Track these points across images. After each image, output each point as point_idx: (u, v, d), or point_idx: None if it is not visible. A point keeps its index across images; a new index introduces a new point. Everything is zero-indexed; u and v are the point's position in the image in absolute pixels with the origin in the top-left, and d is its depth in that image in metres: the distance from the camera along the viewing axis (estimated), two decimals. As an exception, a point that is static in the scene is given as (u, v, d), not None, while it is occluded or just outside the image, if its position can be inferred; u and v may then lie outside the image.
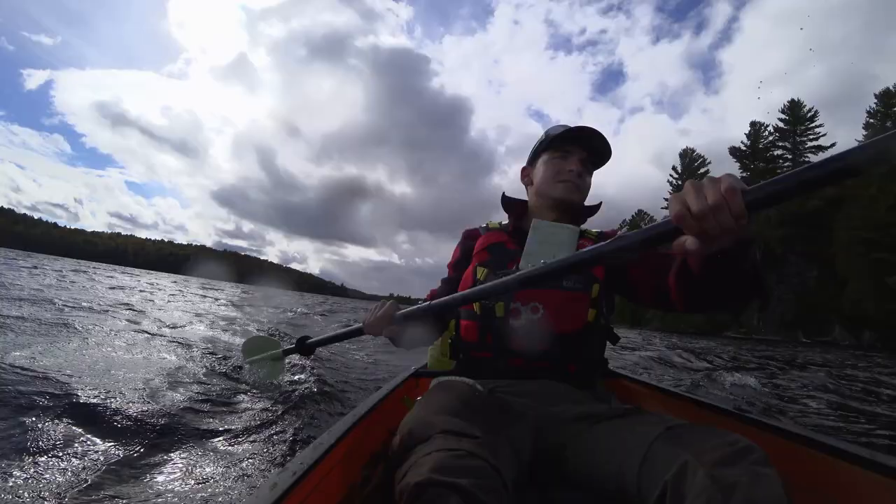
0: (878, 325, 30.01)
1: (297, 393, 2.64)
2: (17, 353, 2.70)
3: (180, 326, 5.52)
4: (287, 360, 2.36)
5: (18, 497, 1.30)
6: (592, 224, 1.30)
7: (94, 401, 2.04)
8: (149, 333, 4.28)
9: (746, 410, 1.07)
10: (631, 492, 0.75)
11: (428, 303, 1.10)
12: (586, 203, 1.24)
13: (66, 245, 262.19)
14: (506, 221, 1.30)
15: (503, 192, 1.31)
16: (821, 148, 43.06)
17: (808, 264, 36.77)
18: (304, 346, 1.67)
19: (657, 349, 10.30)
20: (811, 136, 43.79)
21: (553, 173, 1.18)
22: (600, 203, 1.28)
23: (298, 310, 14.78)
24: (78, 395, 2.05)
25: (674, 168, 50.70)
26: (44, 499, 1.31)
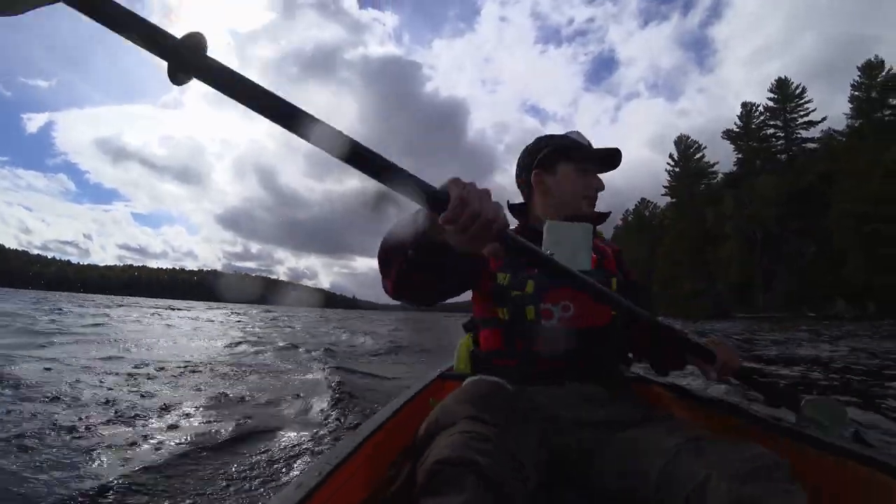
0: (879, 296, 30.55)
1: (323, 397, 2.90)
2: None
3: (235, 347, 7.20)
4: None
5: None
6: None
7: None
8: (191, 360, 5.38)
9: (778, 418, 1.05)
10: (652, 500, 0.74)
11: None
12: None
13: (83, 281, 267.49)
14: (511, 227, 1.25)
15: (507, 201, 1.29)
16: (811, 123, 43.60)
17: (805, 240, 37.26)
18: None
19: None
20: (801, 113, 44.26)
21: (580, 189, 1.18)
22: (609, 212, 1.28)
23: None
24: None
25: (670, 156, 51.37)
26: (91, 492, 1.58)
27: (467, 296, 1.23)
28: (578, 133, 1.25)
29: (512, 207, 1.29)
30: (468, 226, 0.63)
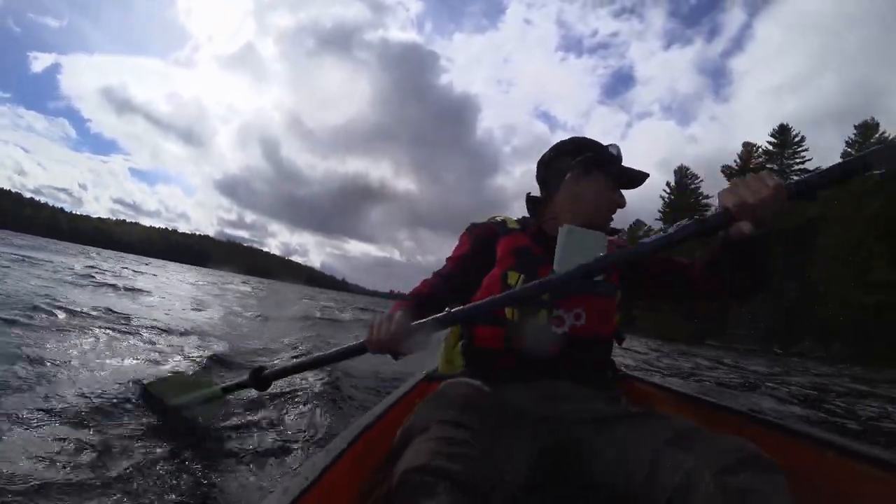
0: (847, 338, 32.51)
1: (308, 398, 2.62)
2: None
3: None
4: (229, 397, 1.98)
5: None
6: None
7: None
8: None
9: (758, 412, 1.05)
10: (638, 496, 0.75)
11: (456, 309, 1.01)
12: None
13: (74, 231, 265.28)
14: (517, 217, 1.29)
15: (528, 193, 1.27)
16: (804, 170, 45.54)
17: (788, 280, 39.16)
18: (261, 379, 1.35)
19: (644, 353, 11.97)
20: (798, 160, 46.27)
21: (606, 202, 1.18)
22: (621, 230, 1.30)
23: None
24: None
25: (667, 183, 53.16)
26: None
27: None
28: (617, 148, 1.21)
29: (529, 200, 1.26)
30: (381, 351, 1.00)
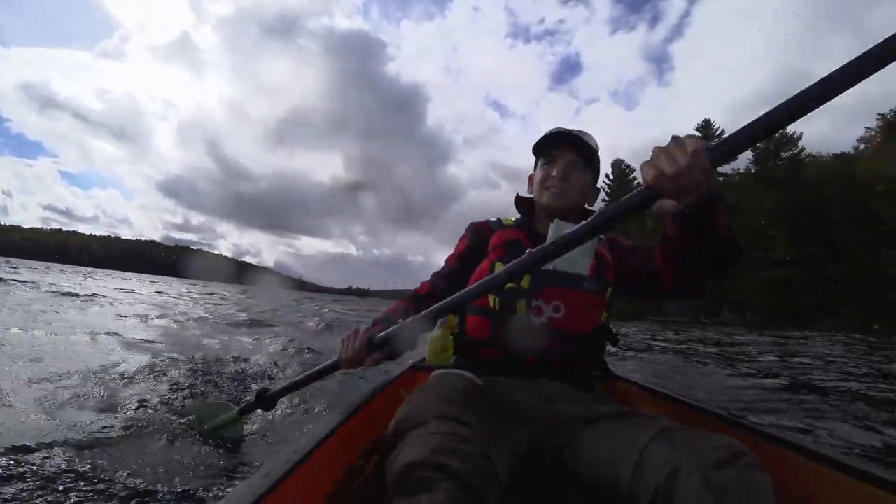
0: (757, 308, 38.46)
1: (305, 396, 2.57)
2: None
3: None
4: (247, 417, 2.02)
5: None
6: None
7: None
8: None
9: (740, 416, 1.07)
10: (624, 492, 0.76)
11: (428, 310, 0.97)
12: (593, 206, 1.26)
13: (1, 243, 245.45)
14: (516, 217, 1.31)
15: (517, 193, 1.31)
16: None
17: (710, 260, 45.02)
18: (266, 400, 1.41)
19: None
20: (719, 151, 52.30)
21: (540, 180, 1.20)
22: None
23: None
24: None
25: (607, 175, 58.12)
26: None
27: None
28: (559, 129, 1.21)
29: (517, 200, 1.30)
30: (350, 367, 1.06)
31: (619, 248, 1.26)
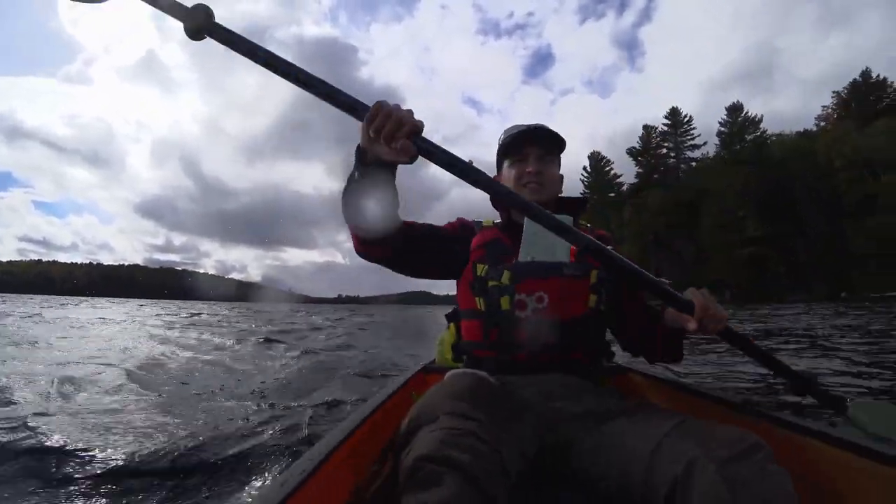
0: (736, 286, 40.23)
1: (303, 390, 2.81)
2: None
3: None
4: None
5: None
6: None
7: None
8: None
9: (754, 403, 1.07)
10: (638, 488, 0.75)
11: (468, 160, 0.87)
12: (568, 194, 1.31)
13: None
14: (498, 220, 1.31)
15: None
16: (696, 146, 53.56)
17: (686, 243, 46.64)
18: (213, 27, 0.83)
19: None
20: (689, 138, 54.11)
21: (515, 179, 1.21)
22: (585, 197, 1.34)
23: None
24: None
25: (584, 168, 59.61)
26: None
27: (451, 289, 1.29)
28: (517, 125, 1.26)
29: (493, 200, 1.28)
30: (383, 124, 0.77)
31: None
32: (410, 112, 0.81)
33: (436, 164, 0.84)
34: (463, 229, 1.28)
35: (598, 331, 1.19)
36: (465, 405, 0.79)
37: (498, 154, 1.32)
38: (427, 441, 0.69)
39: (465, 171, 0.84)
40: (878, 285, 31.52)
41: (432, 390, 0.92)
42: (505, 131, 1.30)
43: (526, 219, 1.01)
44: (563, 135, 1.25)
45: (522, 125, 1.25)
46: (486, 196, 1.00)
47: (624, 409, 0.95)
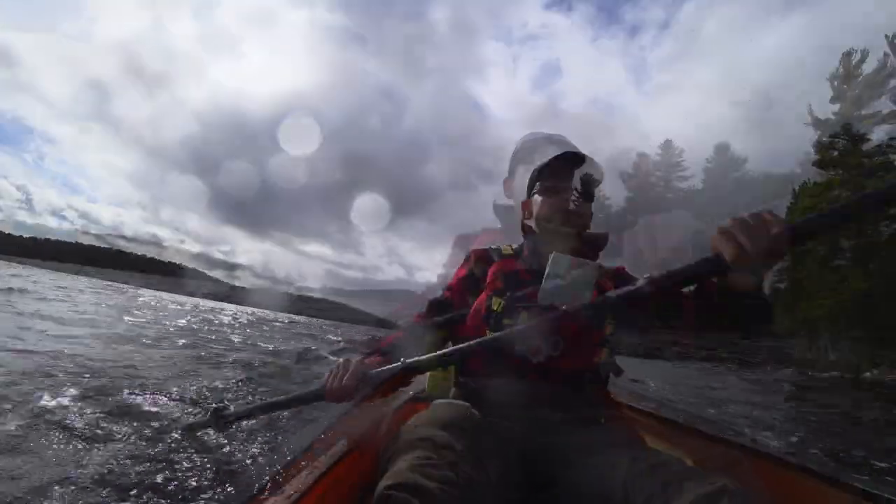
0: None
1: (285, 417, 2.65)
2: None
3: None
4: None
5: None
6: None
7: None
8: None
9: (753, 441, 1.04)
10: None
11: (410, 360, 1.02)
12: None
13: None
14: (516, 245, 1.28)
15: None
16: (683, 178, 56.39)
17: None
18: (221, 419, 1.25)
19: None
20: (679, 170, 57.02)
21: (546, 212, 1.15)
22: (606, 233, 1.27)
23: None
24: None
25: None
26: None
27: None
28: (547, 139, 1.20)
29: (524, 227, 1.26)
30: (339, 400, 1.01)
31: (625, 281, 1.12)
32: (351, 382, 1.01)
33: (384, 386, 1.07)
34: (478, 263, 1.27)
35: (601, 380, 1.16)
36: (442, 434, 0.80)
37: (518, 161, 1.25)
38: (399, 469, 0.70)
39: (410, 368, 1.03)
40: None
41: (414, 419, 0.94)
42: (532, 140, 1.25)
43: (551, 259, 0.97)
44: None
45: (560, 141, 1.19)
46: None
47: (607, 444, 0.94)
